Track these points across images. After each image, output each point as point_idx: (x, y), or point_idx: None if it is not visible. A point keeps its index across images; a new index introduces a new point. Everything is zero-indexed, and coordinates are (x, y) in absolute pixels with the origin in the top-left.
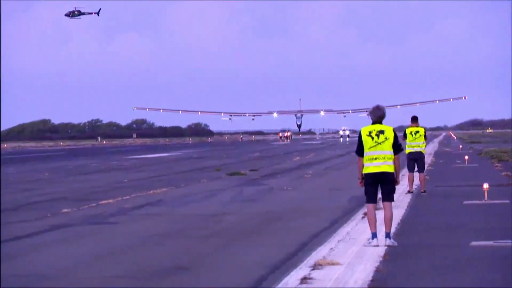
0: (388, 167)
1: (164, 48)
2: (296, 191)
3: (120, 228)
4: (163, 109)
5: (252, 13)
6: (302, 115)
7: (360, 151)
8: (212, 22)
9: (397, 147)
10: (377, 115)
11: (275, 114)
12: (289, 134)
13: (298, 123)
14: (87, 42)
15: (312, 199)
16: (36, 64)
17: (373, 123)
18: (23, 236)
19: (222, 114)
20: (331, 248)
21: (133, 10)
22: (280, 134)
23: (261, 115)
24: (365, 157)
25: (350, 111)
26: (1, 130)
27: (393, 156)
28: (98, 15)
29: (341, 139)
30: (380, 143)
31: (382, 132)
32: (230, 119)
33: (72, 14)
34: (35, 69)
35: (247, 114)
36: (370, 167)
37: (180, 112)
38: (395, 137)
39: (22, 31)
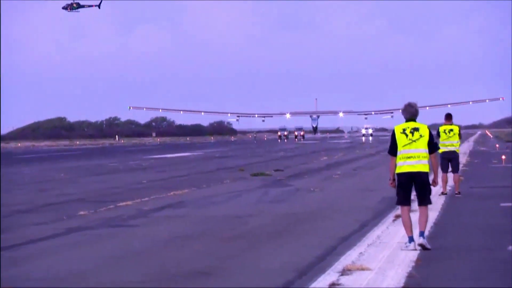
0: (423, 167)
1: (181, 45)
2: (324, 192)
3: (139, 231)
4: (162, 109)
5: (271, 7)
6: (318, 117)
7: (393, 150)
8: (227, 18)
9: (433, 146)
10: (410, 113)
11: (288, 115)
12: (303, 133)
13: (314, 125)
14: (103, 38)
15: (341, 201)
16: (51, 60)
17: (407, 121)
18: (38, 239)
19: (229, 114)
20: (361, 253)
21: (150, 2)
22: (279, 133)
23: (272, 116)
24: (399, 155)
25: (373, 113)
26: (15, 128)
27: (428, 155)
28: (99, 8)
29: (363, 138)
30: (414, 141)
31: (416, 129)
32: (237, 120)
33: (70, 7)
34: (50, 66)
35: (256, 115)
36: (404, 166)
37: (181, 112)
38: (431, 135)
39: (36, 27)
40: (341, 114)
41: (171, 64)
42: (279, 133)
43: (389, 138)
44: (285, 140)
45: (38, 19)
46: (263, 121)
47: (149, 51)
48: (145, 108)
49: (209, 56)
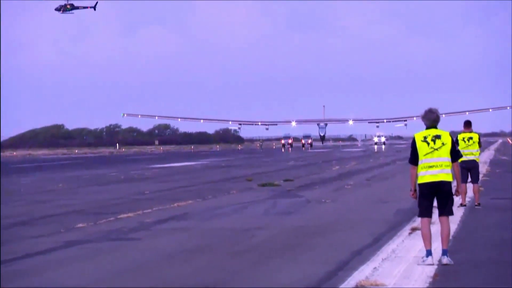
0: (446, 176)
1: (182, 47)
2: (336, 203)
3: (141, 244)
4: (158, 116)
5: (276, 9)
6: (326, 125)
7: (414, 159)
8: (229, 19)
9: (456, 153)
10: (431, 119)
11: (293, 123)
12: (310, 141)
13: (322, 134)
14: (102, 40)
15: (354, 213)
16: (48, 64)
17: (427, 128)
18: (35, 253)
19: (230, 122)
20: (375, 268)
21: (150, 3)
22: (283, 141)
23: (276, 125)
24: (420, 165)
25: (385, 120)
26: (11, 136)
27: (451, 164)
28: (95, 9)
29: (376, 147)
30: (436, 149)
31: (438, 137)
32: (239, 128)
33: (63, 9)
34: (47, 70)
35: (259, 123)
36: (426, 176)
37: (179, 119)
38: (453, 142)
39: (32, 29)
40: (350, 122)
41: (172, 68)
42: (282, 141)
43: (404, 146)
44: (289, 149)
45: (35, 20)
46: (267, 129)
47: (150, 54)
48: (140, 115)
49: (211, 60)
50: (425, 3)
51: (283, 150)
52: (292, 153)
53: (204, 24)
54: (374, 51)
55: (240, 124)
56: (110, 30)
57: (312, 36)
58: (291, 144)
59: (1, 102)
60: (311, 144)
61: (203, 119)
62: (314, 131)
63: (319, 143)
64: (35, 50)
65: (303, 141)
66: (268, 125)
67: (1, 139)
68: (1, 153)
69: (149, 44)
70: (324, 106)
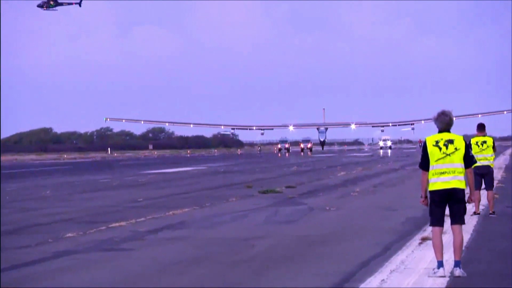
0: (459, 183)
1: (182, 50)
2: (341, 211)
3: (135, 255)
4: (144, 121)
5: (274, 10)
6: (326, 129)
7: (424, 164)
8: (224, 20)
9: (469, 159)
10: (444, 122)
11: (291, 128)
12: (310, 145)
13: (322, 139)
14: (94, 41)
15: (360, 221)
16: (36, 64)
17: (440, 131)
18: (21, 264)
19: (222, 127)
20: (383, 280)
21: (148, 3)
22: (280, 146)
23: (272, 129)
24: (431, 171)
25: (390, 124)
26: None
27: (464, 170)
28: (80, 5)
29: (381, 151)
30: (449, 155)
31: (451, 141)
32: (232, 133)
33: (46, 5)
34: (35, 70)
35: (254, 127)
36: (438, 183)
37: (167, 124)
38: (467, 147)
39: (20, 31)
40: (353, 126)
41: (166, 70)
42: (279, 146)
43: (414, 151)
44: (287, 154)
45: (22, 20)
46: (262, 134)
47: (144, 55)
48: (124, 119)
49: (207, 61)
50: (431, 3)
51: (279, 155)
52: (293, 158)
53: (201, 25)
54: (377, 52)
55: (233, 129)
56: (102, 30)
57: (314, 36)
58: (288, 149)
59: None
60: (310, 149)
61: (193, 124)
62: (313, 135)
63: (319, 148)
64: (23, 51)
65: (302, 146)
66: (264, 129)
67: None
68: None
69: (143, 45)
70: (324, 109)
